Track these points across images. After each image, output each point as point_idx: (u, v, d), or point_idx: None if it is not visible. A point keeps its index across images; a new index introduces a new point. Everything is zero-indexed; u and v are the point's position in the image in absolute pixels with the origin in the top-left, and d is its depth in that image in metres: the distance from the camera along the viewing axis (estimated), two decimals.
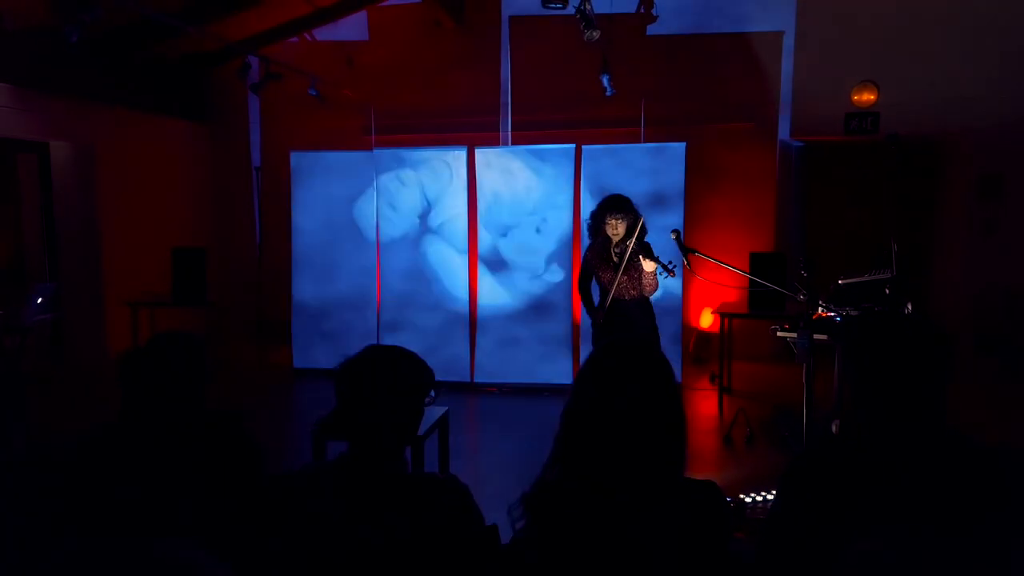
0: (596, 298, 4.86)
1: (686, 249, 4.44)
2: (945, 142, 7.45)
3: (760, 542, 1.56)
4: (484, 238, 7.02)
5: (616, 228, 4.59)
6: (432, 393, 1.76)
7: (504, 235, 6.98)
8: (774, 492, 1.58)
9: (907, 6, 7.24)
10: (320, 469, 1.75)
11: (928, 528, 1.36)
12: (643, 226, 4.58)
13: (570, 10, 5.52)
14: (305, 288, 7.43)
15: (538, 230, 6.91)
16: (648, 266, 4.40)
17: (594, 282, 4.89)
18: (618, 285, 4.63)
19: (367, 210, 7.28)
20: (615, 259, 4.66)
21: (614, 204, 4.62)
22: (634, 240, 4.49)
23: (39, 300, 6.39)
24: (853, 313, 4.54)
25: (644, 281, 4.57)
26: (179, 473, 1.78)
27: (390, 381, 1.70)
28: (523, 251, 6.94)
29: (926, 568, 1.24)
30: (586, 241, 6.84)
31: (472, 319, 7.10)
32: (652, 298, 4.74)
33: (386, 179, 7.21)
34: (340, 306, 7.36)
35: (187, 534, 1.69)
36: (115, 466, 1.78)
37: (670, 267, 4.35)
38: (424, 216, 7.16)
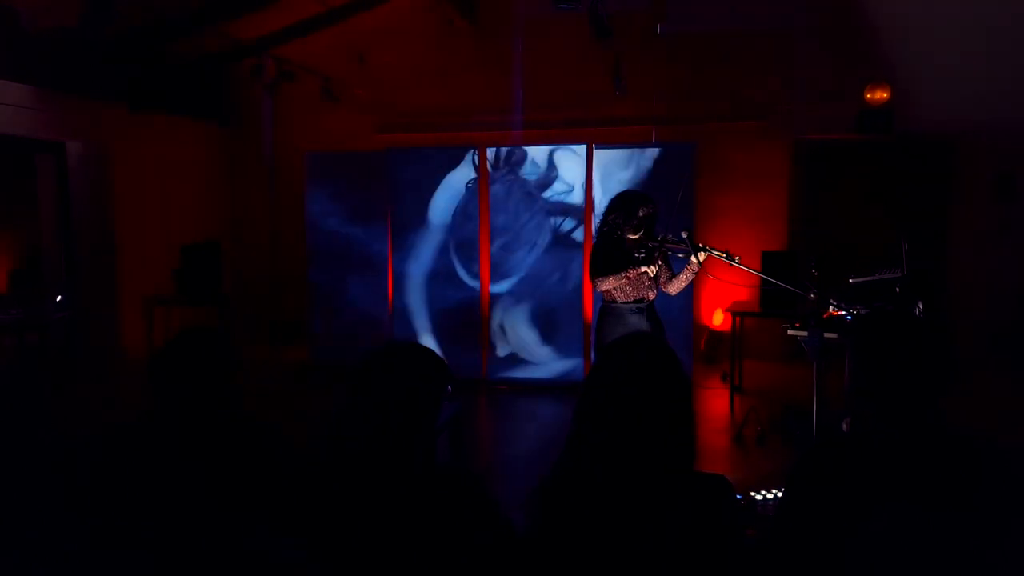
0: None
1: (697, 248, 4.42)
2: (959, 141, 7.41)
3: (768, 536, 1.59)
4: (494, 235, 7.06)
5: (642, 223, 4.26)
6: (448, 388, 1.80)
7: (511, 231, 7.01)
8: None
9: (920, 2, 7.20)
10: (335, 464, 1.78)
11: (929, 515, 1.39)
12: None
13: (582, 9, 5.54)
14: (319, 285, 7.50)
15: (550, 228, 6.94)
16: (695, 258, 4.09)
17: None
18: (642, 285, 4.27)
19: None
20: (639, 254, 4.26)
21: (644, 196, 4.30)
22: (669, 234, 4.19)
23: (57, 298, 6.48)
24: (864, 312, 4.55)
25: (679, 278, 4.27)
26: (208, 469, 1.80)
27: (408, 377, 1.73)
28: (531, 248, 6.97)
29: (934, 545, 1.27)
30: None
31: (484, 319, 7.13)
32: (655, 300, 4.40)
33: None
34: (353, 306, 7.42)
35: (215, 528, 1.73)
36: (145, 462, 1.80)
37: (732, 255, 4.09)
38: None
